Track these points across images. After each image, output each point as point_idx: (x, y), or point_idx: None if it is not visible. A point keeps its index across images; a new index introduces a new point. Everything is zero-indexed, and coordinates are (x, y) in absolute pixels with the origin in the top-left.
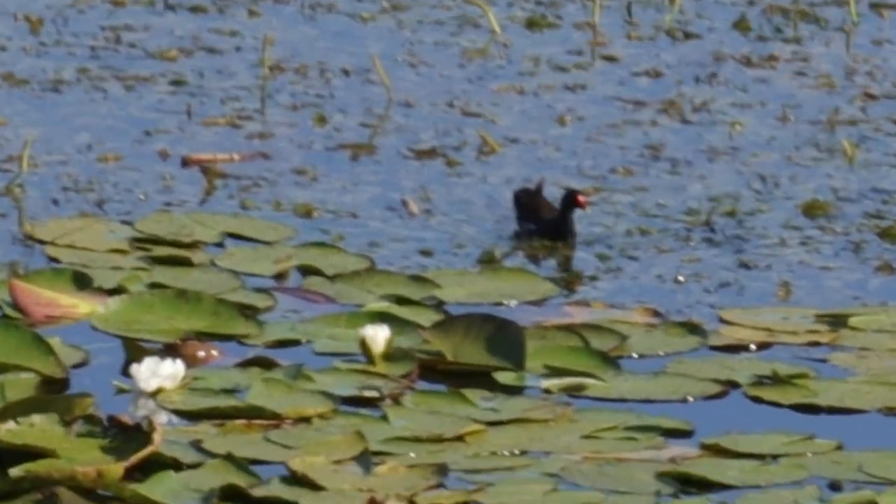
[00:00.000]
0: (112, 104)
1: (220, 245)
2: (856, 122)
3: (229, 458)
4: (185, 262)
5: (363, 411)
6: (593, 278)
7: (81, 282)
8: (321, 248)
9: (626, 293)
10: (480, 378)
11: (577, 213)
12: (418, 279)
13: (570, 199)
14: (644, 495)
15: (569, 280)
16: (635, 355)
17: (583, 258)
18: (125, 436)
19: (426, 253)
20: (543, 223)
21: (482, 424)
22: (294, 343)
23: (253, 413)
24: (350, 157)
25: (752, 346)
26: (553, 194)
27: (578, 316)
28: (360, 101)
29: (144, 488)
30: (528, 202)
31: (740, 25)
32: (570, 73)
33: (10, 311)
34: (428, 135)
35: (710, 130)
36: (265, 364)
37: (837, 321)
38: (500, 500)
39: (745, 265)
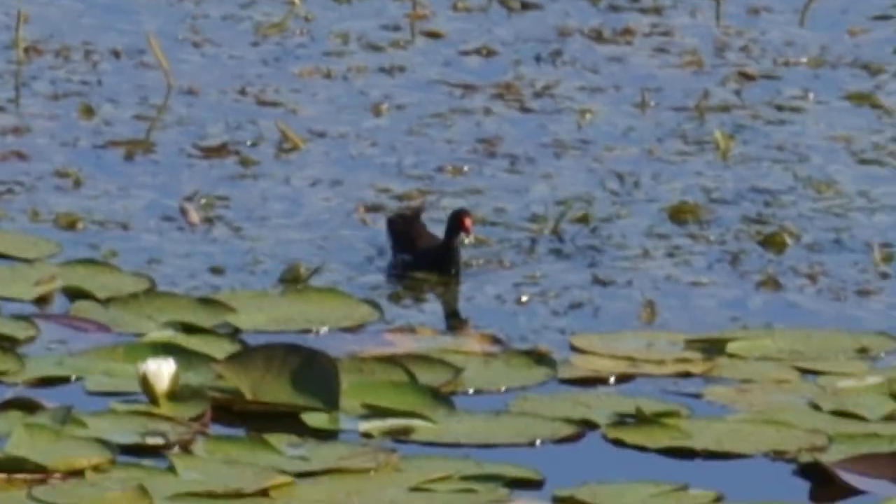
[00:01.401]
0: None
1: None
2: (729, 108)
3: None
4: None
5: (146, 462)
6: (419, 298)
7: None
8: (90, 265)
9: (459, 316)
10: (286, 420)
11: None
12: (208, 302)
13: (455, 222)
14: None
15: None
16: (471, 391)
17: (406, 275)
18: None
19: (217, 270)
20: (422, 253)
21: (289, 476)
22: (62, 381)
23: (13, 465)
24: (123, 156)
25: (612, 379)
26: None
27: (402, 345)
28: (133, 88)
29: None
30: (404, 229)
31: None
32: (387, 53)
33: None
34: (217, 128)
35: (555, 120)
36: (27, 406)
37: (713, 347)
38: None
39: (601, 281)
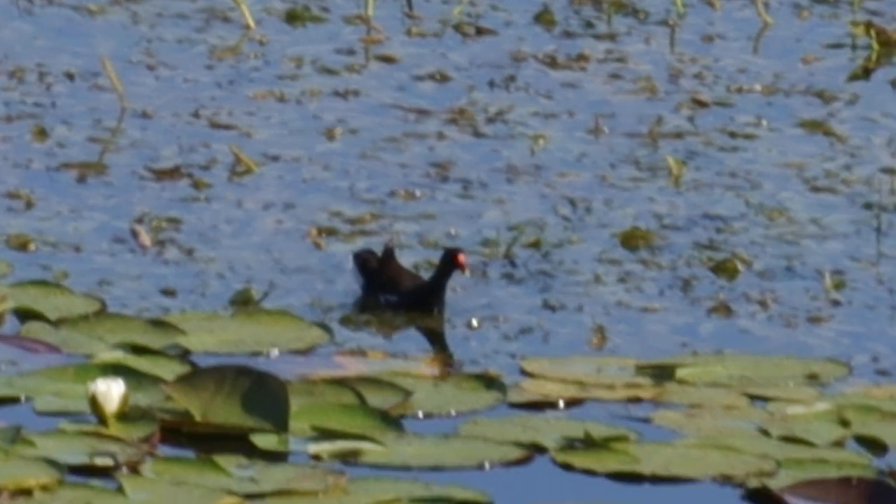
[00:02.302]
0: None
1: None
2: (682, 135)
3: None
4: None
5: (94, 482)
6: (369, 322)
7: None
8: (41, 287)
9: (409, 340)
10: (235, 442)
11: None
12: (159, 324)
13: (448, 262)
14: None
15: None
16: (421, 414)
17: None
18: None
19: (168, 293)
20: (408, 294)
21: (238, 497)
22: (11, 401)
23: None
24: (75, 178)
25: (561, 403)
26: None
27: (352, 368)
28: (87, 111)
29: None
30: (379, 269)
31: (543, 19)
32: (340, 77)
33: None
34: (170, 151)
35: (508, 145)
36: None
37: (662, 373)
38: None
39: (551, 307)
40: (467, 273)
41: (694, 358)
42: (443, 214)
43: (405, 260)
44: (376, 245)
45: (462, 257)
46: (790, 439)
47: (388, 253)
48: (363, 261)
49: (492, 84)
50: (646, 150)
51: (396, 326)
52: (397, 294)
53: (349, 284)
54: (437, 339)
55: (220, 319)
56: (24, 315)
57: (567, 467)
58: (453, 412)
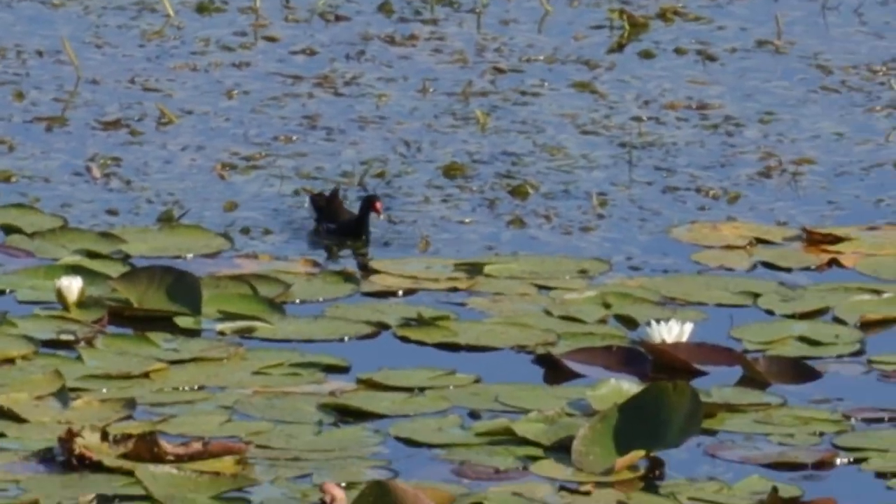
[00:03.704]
0: None
1: None
2: (487, 94)
3: None
4: None
5: (61, 353)
6: (268, 232)
7: None
8: (20, 209)
9: (289, 246)
10: (163, 322)
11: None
12: (106, 236)
13: (368, 204)
14: (308, 424)
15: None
16: (298, 301)
17: (253, 217)
18: None
19: (112, 213)
20: (343, 224)
21: (165, 363)
22: None
23: None
24: (45, 128)
25: (400, 293)
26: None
27: (248, 267)
28: (52, 78)
29: None
30: (326, 206)
31: (384, 8)
32: (237, 52)
33: None
34: (113, 108)
35: (360, 102)
36: None
37: (474, 269)
38: (182, 430)
39: (393, 221)
40: (382, 217)
41: (497, 258)
42: (312, 153)
43: (285, 188)
44: (262, 178)
45: (378, 204)
46: (567, 318)
47: (334, 193)
48: (315, 200)
49: (347, 57)
50: (460, 105)
51: (282, 235)
52: (336, 223)
53: (246, 203)
54: (308, 246)
55: (151, 232)
56: (7, 230)
57: (405, 339)
58: (321, 299)
